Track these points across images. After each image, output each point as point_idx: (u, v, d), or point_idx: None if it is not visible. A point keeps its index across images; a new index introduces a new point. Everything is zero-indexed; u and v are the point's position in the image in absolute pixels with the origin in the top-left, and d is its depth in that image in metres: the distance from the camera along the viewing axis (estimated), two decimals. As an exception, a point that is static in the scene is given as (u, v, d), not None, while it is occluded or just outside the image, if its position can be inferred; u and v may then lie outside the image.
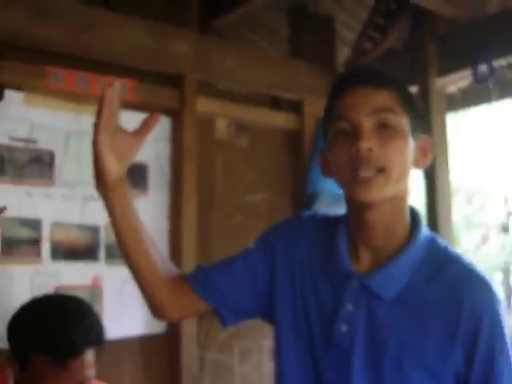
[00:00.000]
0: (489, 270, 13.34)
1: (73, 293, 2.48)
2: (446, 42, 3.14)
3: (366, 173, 1.37)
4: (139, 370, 2.92)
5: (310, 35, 3.64)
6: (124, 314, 2.85)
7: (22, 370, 1.87)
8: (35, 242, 2.67)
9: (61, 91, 2.77)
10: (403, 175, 1.41)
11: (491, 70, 2.94)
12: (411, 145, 1.42)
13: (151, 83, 3.03)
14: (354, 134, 1.38)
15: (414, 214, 1.50)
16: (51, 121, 2.76)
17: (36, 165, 2.71)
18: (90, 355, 1.87)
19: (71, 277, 2.73)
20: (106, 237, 2.86)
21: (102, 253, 2.85)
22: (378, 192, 1.38)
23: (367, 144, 1.36)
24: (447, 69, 3.14)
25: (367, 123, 1.38)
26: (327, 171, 1.48)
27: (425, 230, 1.49)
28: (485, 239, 14.52)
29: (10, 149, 2.64)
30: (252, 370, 3.29)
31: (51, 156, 2.75)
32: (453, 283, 1.41)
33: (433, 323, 1.39)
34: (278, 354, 1.55)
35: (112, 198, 1.46)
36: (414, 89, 3.26)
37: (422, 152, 1.46)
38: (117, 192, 1.46)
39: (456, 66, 3.10)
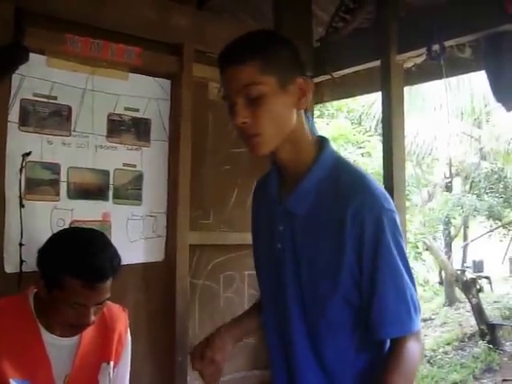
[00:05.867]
0: (433, 222, 13.49)
1: (86, 226, 2.54)
2: (405, 24, 3.13)
3: (247, 138, 1.48)
4: (141, 292, 2.97)
5: (290, 15, 3.62)
6: (128, 245, 2.88)
7: (53, 290, 1.89)
8: (55, 183, 2.68)
9: (77, 55, 2.75)
10: (281, 128, 1.48)
11: (443, 49, 2.95)
12: (284, 97, 1.46)
13: (155, 51, 3.01)
14: (233, 110, 1.47)
15: (322, 143, 1.56)
16: (69, 80, 2.74)
17: (56, 117, 2.70)
18: (110, 280, 1.92)
19: (84, 213, 2.75)
20: (114, 180, 2.87)
21: (110, 193, 2.86)
22: (262, 149, 1.48)
23: (240, 119, 1.45)
24: (406, 47, 3.14)
25: (239, 100, 1.45)
26: None
27: (329, 154, 1.55)
28: (431, 196, 14.65)
29: (33, 103, 2.63)
30: (234, 295, 3.34)
31: (68, 110, 2.74)
32: (341, 194, 1.46)
33: (328, 232, 1.45)
34: (256, 262, 1.74)
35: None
36: (376, 63, 3.28)
37: (301, 93, 1.49)
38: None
39: (413, 45, 3.10)
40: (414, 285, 1.46)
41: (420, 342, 1.49)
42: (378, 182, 1.54)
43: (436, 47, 2.95)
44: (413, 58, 3.21)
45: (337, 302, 1.46)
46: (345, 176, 1.50)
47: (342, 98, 4.58)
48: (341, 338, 1.49)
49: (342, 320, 1.48)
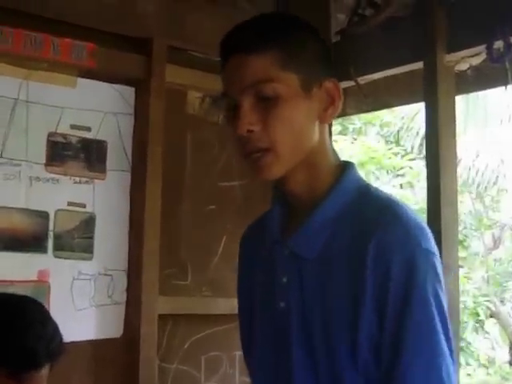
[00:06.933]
0: (500, 279, 13.44)
1: (14, 289, 2.53)
2: (458, 13, 3.15)
3: (252, 155, 1.46)
4: (90, 381, 2.95)
5: (299, -3, 3.66)
6: (74, 316, 2.88)
7: None
8: (-29, 229, 2.69)
9: (7, 54, 2.77)
10: (301, 143, 1.48)
11: (508, 46, 2.97)
12: (307, 102, 1.48)
13: (113, 47, 3.04)
14: (236, 113, 1.46)
15: (345, 167, 1.56)
16: (-5, 88, 2.76)
17: (-25, 139, 2.72)
18: (46, 368, 1.90)
19: (13, 270, 2.75)
20: (55, 225, 2.87)
21: (49, 243, 2.87)
22: (270, 172, 1.48)
23: (245, 127, 1.44)
24: (458, 43, 3.15)
25: (245, 101, 1.45)
26: None
27: (354, 179, 1.55)
28: (497, 242, 14.62)
29: None
30: (221, 385, 3.33)
31: (-6, 129, 2.76)
32: (364, 226, 1.44)
33: (345, 279, 1.42)
34: (244, 340, 1.73)
35: None
36: (419, 65, 3.29)
37: (329, 100, 1.52)
38: None
39: (468, 41, 3.11)
40: (453, 359, 1.41)
41: None
42: (418, 215, 1.52)
43: (499, 44, 2.97)
44: (468, 59, 3.23)
45: (356, 380, 1.42)
46: (372, 203, 1.50)
47: (372, 110, 4.59)
48: None
49: None
